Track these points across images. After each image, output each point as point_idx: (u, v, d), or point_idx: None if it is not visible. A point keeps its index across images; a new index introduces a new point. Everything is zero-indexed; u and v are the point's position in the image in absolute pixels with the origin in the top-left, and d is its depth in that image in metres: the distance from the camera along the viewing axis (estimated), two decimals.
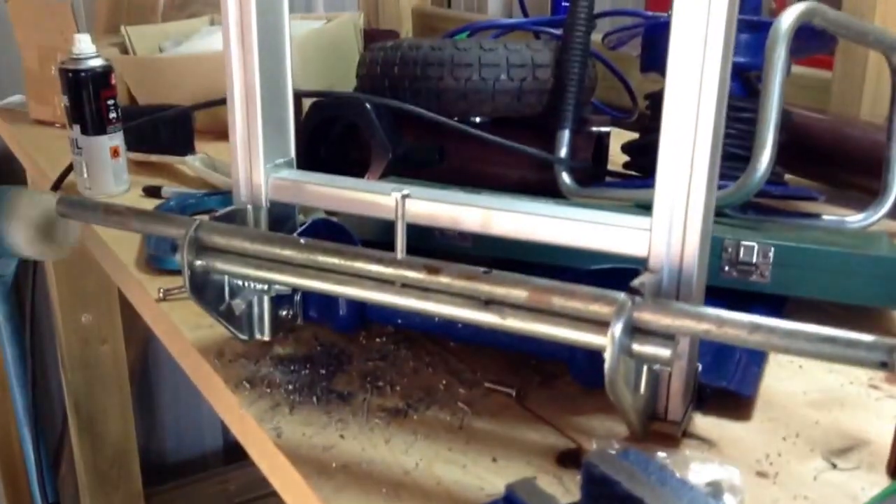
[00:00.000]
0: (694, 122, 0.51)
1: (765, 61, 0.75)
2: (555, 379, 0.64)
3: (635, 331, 0.49)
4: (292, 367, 0.66)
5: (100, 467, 1.73)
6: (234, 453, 2.19)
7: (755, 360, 0.63)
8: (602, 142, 0.95)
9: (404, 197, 0.55)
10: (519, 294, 0.51)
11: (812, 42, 0.87)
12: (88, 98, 1.02)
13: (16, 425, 1.68)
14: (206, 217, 0.64)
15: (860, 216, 0.86)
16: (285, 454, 0.56)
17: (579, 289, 0.50)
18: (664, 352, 0.49)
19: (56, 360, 1.70)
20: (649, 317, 0.49)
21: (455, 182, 0.85)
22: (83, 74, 1.01)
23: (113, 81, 1.04)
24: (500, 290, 0.52)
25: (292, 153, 0.70)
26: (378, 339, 0.70)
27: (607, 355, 0.47)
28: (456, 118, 0.90)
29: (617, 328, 0.47)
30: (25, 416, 1.67)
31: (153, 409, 2.05)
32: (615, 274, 0.56)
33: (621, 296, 0.49)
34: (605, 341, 0.48)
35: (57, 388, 1.72)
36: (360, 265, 0.56)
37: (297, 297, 0.68)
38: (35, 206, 0.85)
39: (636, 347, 0.49)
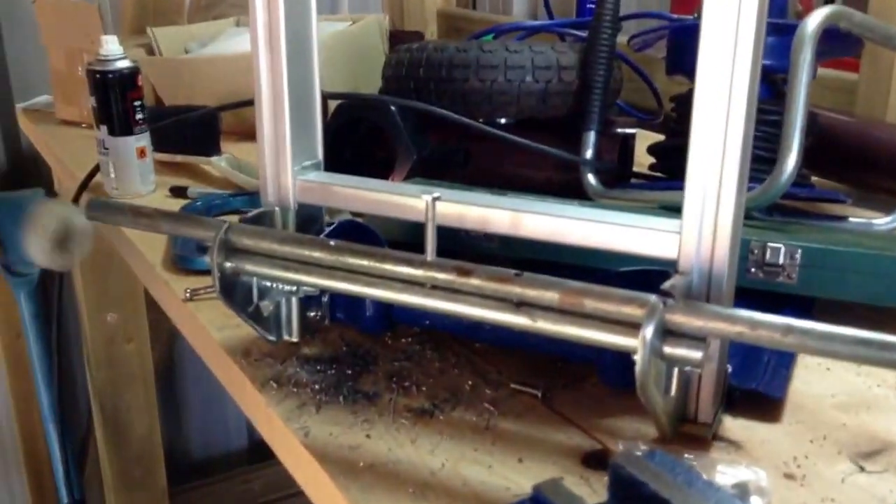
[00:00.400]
0: (724, 124, 0.51)
1: (791, 64, 0.75)
2: (581, 380, 0.64)
3: (666, 333, 0.49)
4: (318, 367, 0.67)
5: (124, 466, 1.74)
6: (258, 453, 2.20)
7: (784, 362, 0.63)
8: (627, 143, 0.95)
9: (435, 199, 0.55)
10: (551, 296, 0.51)
11: (838, 45, 0.86)
12: (115, 99, 1.03)
13: (41, 423, 1.70)
14: (234, 219, 0.64)
15: (888, 218, 0.85)
16: (312, 453, 0.56)
17: (611, 291, 0.50)
18: (695, 354, 0.48)
19: (81, 359, 1.71)
20: (681, 319, 0.49)
21: (479, 183, 0.85)
22: (110, 76, 1.02)
23: (139, 83, 1.05)
24: (531, 293, 0.52)
25: (320, 155, 0.70)
26: (404, 340, 0.70)
27: (639, 357, 0.47)
28: (481, 120, 0.90)
29: (648, 330, 0.47)
30: (51, 413, 1.69)
31: (178, 409, 2.07)
32: (642, 276, 0.56)
33: (653, 298, 0.49)
34: (637, 343, 0.48)
35: (82, 386, 1.74)
36: (389, 267, 0.56)
37: (325, 299, 0.68)
38: (54, 218, 0.86)
39: (667, 350, 0.49)
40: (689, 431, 0.56)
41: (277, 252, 0.60)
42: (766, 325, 0.46)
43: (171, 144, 1.15)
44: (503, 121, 0.94)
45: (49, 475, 1.76)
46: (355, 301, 0.68)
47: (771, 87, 0.89)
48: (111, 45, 1.03)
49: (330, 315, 0.69)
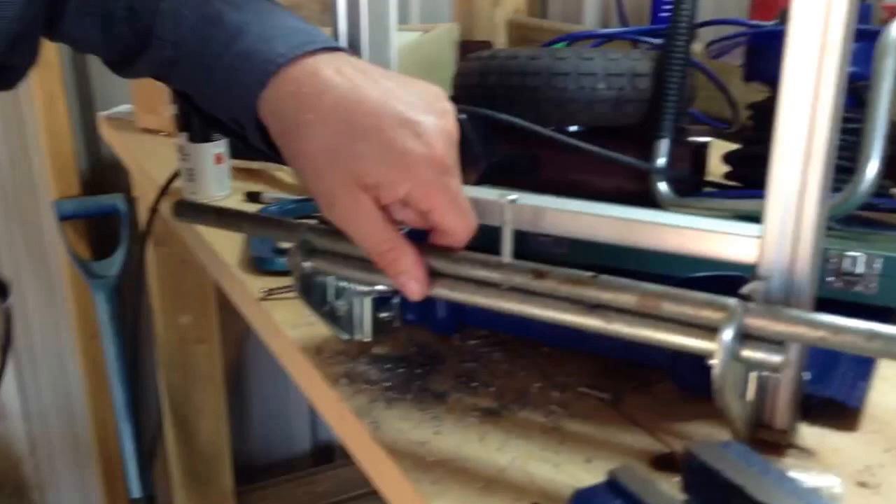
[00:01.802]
0: (808, 130, 0.50)
1: (873, 71, 0.74)
2: (650, 385, 0.63)
3: (745, 337, 0.48)
4: (388, 366, 0.68)
5: (192, 464, 1.78)
6: (321, 456, 2.23)
7: (862, 372, 0.62)
8: (700, 152, 0.94)
9: (511, 202, 0.56)
10: (627, 299, 0.51)
11: None
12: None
13: (115, 420, 1.75)
14: (314, 222, 0.66)
15: None
16: (382, 447, 0.57)
17: (688, 294, 0.50)
18: (775, 357, 0.48)
19: (153, 360, 1.76)
20: (762, 323, 0.48)
21: (548, 191, 0.85)
22: None
23: None
24: (606, 295, 0.52)
25: None
26: (471, 342, 0.71)
27: (717, 360, 0.47)
28: (552, 127, 0.90)
29: (727, 333, 0.47)
30: (124, 412, 1.74)
31: (244, 410, 2.11)
32: (715, 282, 0.56)
33: (732, 301, 0.48)
34: (714, 346, 0.47)
35: (153, 386, 1.78)
36: (466, 268, 0.57)
37: (397, 300, 0.69)
38: None
39: (746, 353, 0.48)
40: (764, 437, 0.56)
41: (355, 253, 0.61)
42: (850, 331, 0.45)
43: (247, 151, 1.17)
44: (574, 128, 0.95)
45: (120, 471, 1.81)
46: (427, 303, 0.69)
47: (852, 95, 0.87)
48: None
49: (401, 316, 0.70)
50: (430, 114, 0.54)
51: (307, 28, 0.58)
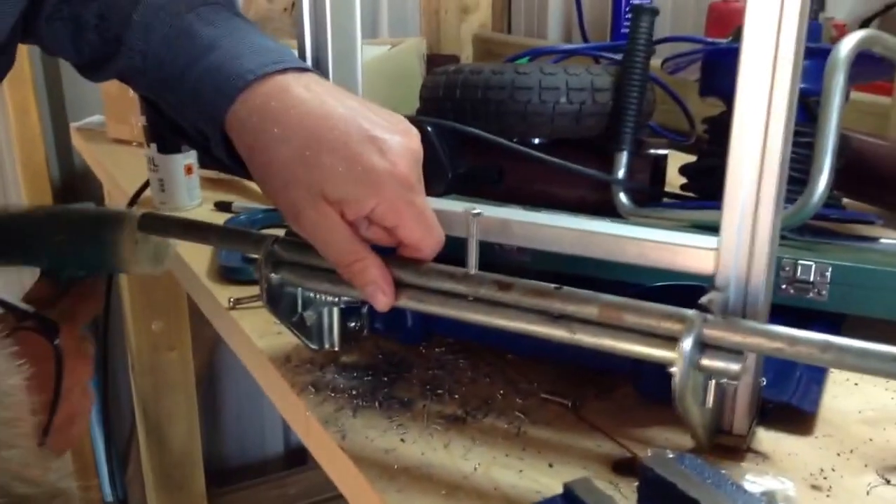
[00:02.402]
0: (762, 143, 0.52)
1: (824, 87, 0.76)
2: (610, 391, 0.65)
3: (704, 346, 0.50)
4: (355, 374, 0.69)
5: (165, 468, 1.77)
6: (293, 459, 2.23)
7: (816, 377, 0.64)
8: (659, 164, 0.96)
9: (476, 215, 0.57)
10: (590, 310, 0.53)
11: (871, 68, 0.87)
12: None
13: (87, 427, 1.75)
14: (281, 233, 0.66)
15: None
16: (349, 455, 0.58)
17: (649, 306, 0.52)
18: (733, 366, 0.49)
19: (126, 366, 1.76)
20: (720, 334, 0.50)
21: (512, 201, 0.87)
22: None
23: None
24: (571, 307, 0.53)
25: None
26: (437, 350, 0.72)
27: (677, 369, 0.49)
28: (515, 140, 0.92)
29: (687, 343, 0.48)
30: (97, 417, 1.74)
31: (216, 415, 2.10)
32: (675, 291, 0.57)
33: (691, 312, 0.50)
34: (675, 356, 0.49)
35: (126, 392, 1.78)
36: (432, 280, 0.58)
37: (365, 310, 0.71)
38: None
39: (705, 362, 0.50)
40: (723, 443, 0.57)
41: (323, 265, 0.62)
42: (805, 342, 0.47)
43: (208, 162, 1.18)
44: (537, 141, 0.97)
45: (94, 475, 1.80)
46: (395, 312, 0.70)
47: (804, 110, 0.90)
48: None
49: (369, 325, 0.72)
50: (395, 133, 0.55)
51: (278, 47, 0.59)
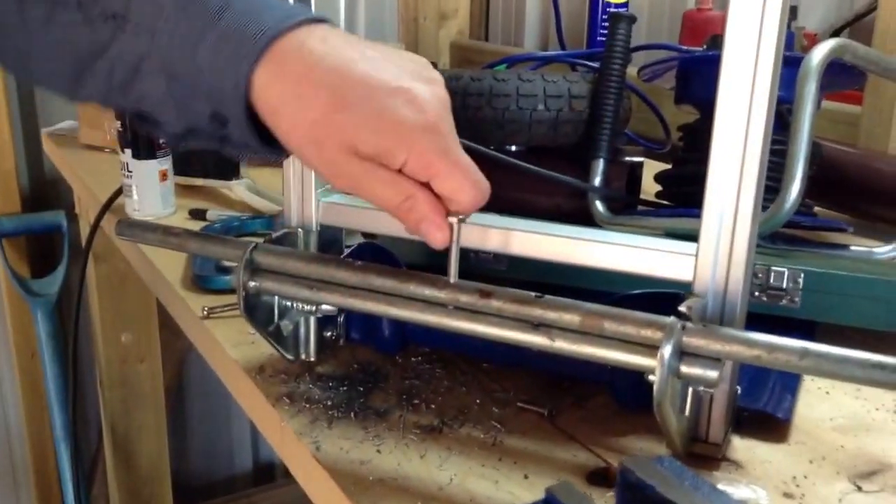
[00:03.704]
0: (742, 151, 0.53)
1: (796, 95, 0.77)
2: (586, 400, 0.65)
3: (683, 354, 0.50)
4: (330, 385, 0.68)
5: (132, 486, 1.75)
6: (262, 475, 2.21)
7: (790, 385, 0.65)
8: (635, 171, 0.97)
9: (461, 220, 0.56)
10: (571, 319, 0.52)
11: (842, 77, 0.88)
12: None
13: (53, 441, 1.72)
14: (260, 240, 0.65)
15: (888, 247, 0.86)
16: (324, 467, 0.58)
17: (629, 314, 0.52)
18: (711, 373, 0.50)
19: (93, 379, 1.73)
20: (700, 342, 0.50)
21: (489, 208, 0.87)
22: None
23: None
24: (551, 315, 0.53)
25: None
26: (413, 360, 0.72)
27: (657, 377, 0.49)
28: (492, 146, 0.92)
29: (666, 350, 0.49)
30: (63, 433, 1.71)
31: (184, 430, 2.08)
32: (653, 298, 0.58)
33: (671, 320, 0.50)
34: (654, 363, 0.49)
35: (94, 406, 1.75)
36: (413, 288, 0.58)
37: (341, 319, 0.70)
38: None
39: (684, 369, 0.50)
40: (699, 451, 0.58)
41: (303, 272, 0.61)
42: (784, 349, 0.47)
43: (191, 168, 1.17)
44: (514, 148, 0.97)
45: (58, 493, 1.78)
46: (371, 321, 0.70)
47: (777, 118, 0.90)
48: None
49: (346, 335, 0.71)
50: (420, 81, 0.53)
51: (286, 3, 0.56)
